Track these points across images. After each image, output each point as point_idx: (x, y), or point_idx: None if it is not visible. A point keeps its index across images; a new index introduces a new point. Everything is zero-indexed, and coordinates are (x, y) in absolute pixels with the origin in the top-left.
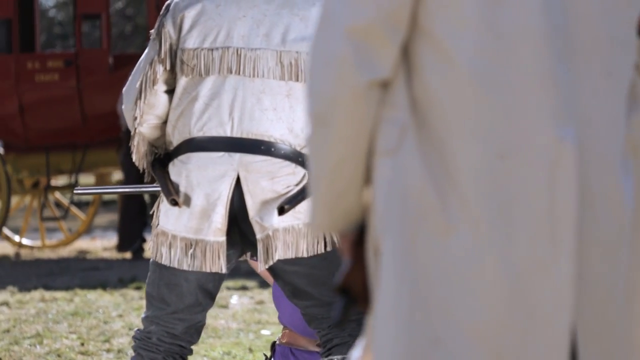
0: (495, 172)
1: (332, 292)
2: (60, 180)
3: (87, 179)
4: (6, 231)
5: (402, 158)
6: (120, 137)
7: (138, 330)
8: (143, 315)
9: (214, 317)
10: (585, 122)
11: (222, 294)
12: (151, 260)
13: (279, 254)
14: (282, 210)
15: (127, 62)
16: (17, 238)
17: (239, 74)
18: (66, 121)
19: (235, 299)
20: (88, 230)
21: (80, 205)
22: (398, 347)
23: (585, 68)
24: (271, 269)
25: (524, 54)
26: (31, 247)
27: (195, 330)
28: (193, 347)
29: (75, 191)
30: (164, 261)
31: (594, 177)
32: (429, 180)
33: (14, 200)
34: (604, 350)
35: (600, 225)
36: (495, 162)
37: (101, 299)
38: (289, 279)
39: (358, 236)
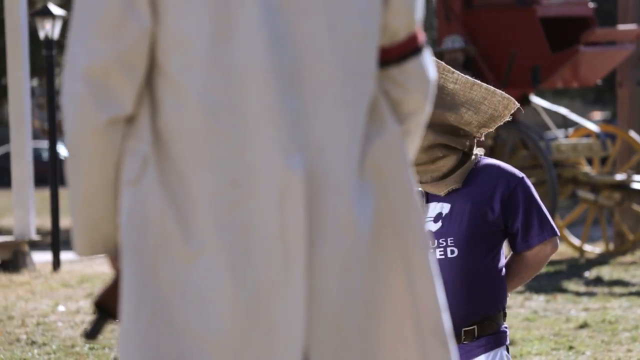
0: (229, 200)
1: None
2: None
3: None
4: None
5: (142, 188)
6: None
7: None
8: None
9: None
10: (317, 151)
11: None
12: None
13: None
14: None
15: None
16: (577, 242)
17: None
18: None
19: None
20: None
21: None
22: None
23: (317, 99)
24: None
25: (251, 87)
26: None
27: None
28: None
29: None
30: None
31: (326, 202)
32: (169, 210)
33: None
34: None
35: (332, 247)
36: (229, 190)
37: None
38: None
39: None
